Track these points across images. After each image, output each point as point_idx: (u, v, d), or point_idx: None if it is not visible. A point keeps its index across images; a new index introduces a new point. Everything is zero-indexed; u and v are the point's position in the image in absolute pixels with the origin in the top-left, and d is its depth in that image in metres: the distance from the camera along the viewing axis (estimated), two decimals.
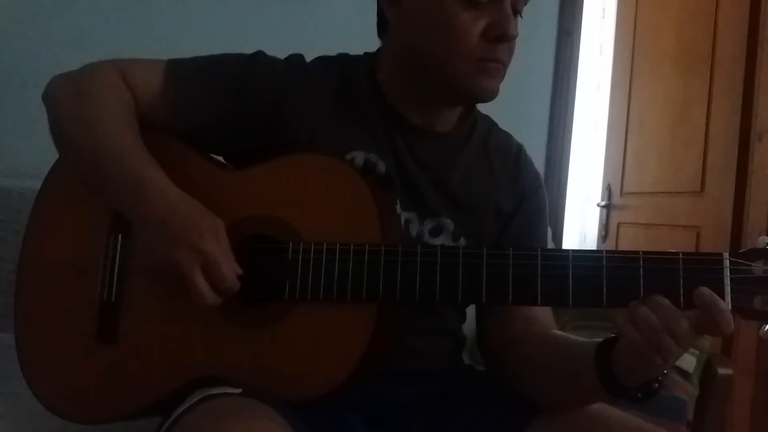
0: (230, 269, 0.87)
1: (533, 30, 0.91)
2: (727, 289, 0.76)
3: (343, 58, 1.07)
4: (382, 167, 0.99)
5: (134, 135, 0.95)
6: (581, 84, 2.52)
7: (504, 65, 0.96)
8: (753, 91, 2.02)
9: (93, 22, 1.89)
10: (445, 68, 0.94)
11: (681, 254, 0.78)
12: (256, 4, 2.02)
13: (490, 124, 1.13)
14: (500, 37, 0.93)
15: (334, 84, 1.02)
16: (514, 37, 0.94)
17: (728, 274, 0.77)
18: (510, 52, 0.96)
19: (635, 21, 2.68)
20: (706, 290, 0.75)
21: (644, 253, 0.79)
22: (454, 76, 0.94)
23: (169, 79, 0.99)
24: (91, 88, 0.98)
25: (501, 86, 0.98)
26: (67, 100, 0.98)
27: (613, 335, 0.82)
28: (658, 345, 0.75)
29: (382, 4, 1.00)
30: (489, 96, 0.97)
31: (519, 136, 1.16)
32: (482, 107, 1.10)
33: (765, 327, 0.82)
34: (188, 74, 1.00)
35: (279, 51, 1.05)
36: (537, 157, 1.42)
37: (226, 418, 0.77)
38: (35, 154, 1.47)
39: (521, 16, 0.98)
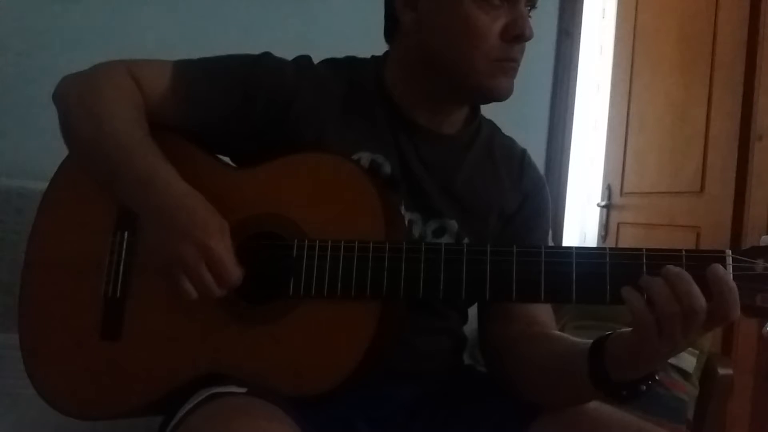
0: (234, 265, 0.88)
1: (533, 30, 0.92)
2: None
3: (350, 60, 1.08)
4: (387, 168, 1.00)
5: (143, 132, 0.96)
6: (581, 84, 2.53)
7: (518, 64, 0.98)
8: (753, 92, 2.02)
9: (94, 22, 1.89)
10: (463, 68, 0.96)
11: (684, 251, 0.78)
12: (259, 6, 2.01)
13: (494, 128, 1.14)
14: (518, 38, 0.95)
15: (342, 85, 1.03)
16: (531, 37, 0.95)
17: (731, 270, 0.76)
18: (522, 51, 0.98)
19: (635, 21, 2.69)
20: (719, 267, 0.74)
21: (647, 250, 0.79)
22: (472, 75, 0.96)
23: (177, 78, 1.00)
24: (100, 87, 0.98)
25: None
26: (77, 99, 0.99)
27: (609, 332, 0.82)
28: (665, 320, 0.74)
29: (396, 6, 1.00)
30: (505, 95, 0.98)
31: (519, 136, 1.16)
32: (483, 107, 1.11)
33: (767, 326, 0.82)
34: (197, 74, 1.01)
35: (282, 54, 1.06)
36: (537, 157, 1.41)
37: (235, 417, 0.77)
38: (35, 154, 1.49)
39: (535, 6, 1.00)
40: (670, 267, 0.75)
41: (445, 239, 1.02)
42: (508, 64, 0.96)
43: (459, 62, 0.96)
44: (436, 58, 0.98)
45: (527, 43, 0.98)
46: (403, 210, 1.00)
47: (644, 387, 0.81)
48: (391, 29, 1.05)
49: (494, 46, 0.94)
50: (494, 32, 0.94)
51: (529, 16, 0.98)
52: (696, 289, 0.73)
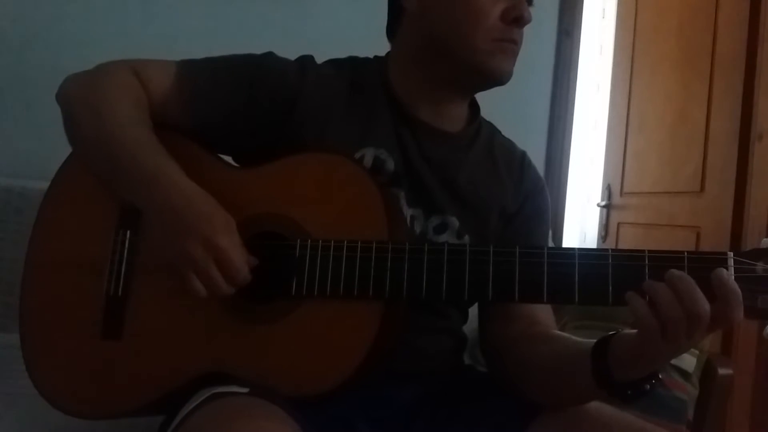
0: (242, 262, 0.88)
1: (533, 30, 0.92)
2: None
3: (353, 60, 1.10)
4: (390, 164, 1.00)
5: (148, 130, 0.96)
6: (581, 84, 2.53)
7: (518, 48, 1.01)
8: (753, 91, 2.02)
9: (94, 21, 1.89)
10: (464, 47, 0.98)
11: (686, 253, 0.78)
12: (260, 6, 2.01)
13: (494, 130, 1.15)
14: (517, 20, 0.98)
15: (345, 84, 1.04)
16: (529, 20, 0.99)
17: (733, 272, 0.76)
18: (521, 38, 1.01)
19: (635, 21, 2.69)
20: (723, 271, 0.74)
21: (649, 251, 0.79)
22: (472, 54, 0.98)
23: (182, 78, 1.00)
24: (104, 86, 0.99)
25: (502, 86, 1.02)
26: (81, 98, 0.99)
27: (612, 332, 0.83)
28: (668, 324, 0.74)
29: None
30: (505, 76, 1.00)
31: (519, 136, 1.17)
32: (483, 107, 1.12)
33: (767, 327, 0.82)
34: (201, 73, 1.01)
35: (284, 54, 1.06)
36: (537, 157, 1.41)
37: (236, 418, 0.77)
38: (35, 154, 1.49)
39: (532, 4, 1.02)
40: (673, 271, 0.75)
41: (446, 236, 1.02)
42: (507, 45, 0.99)
43: (460, 42, 0.98)
44: (438, 41, 1.00)
45: (526, 44, 1.01)
46: (405, 206, 1.01)
47: (648, 386, 0.81)
48: (393, 23, 1.07)
49: (494, 25, 0.97)
50: (494, 13, 0.97)
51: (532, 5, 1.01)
52: (699, 293, 0.73)
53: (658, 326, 0.74)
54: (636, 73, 2.66)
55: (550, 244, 1.73)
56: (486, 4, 0.97)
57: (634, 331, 0.78)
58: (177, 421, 0.84)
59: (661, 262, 0.78)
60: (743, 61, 2.05)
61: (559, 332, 1.01)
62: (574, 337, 0.94)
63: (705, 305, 0.73)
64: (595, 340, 0.85)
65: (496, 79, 1.00)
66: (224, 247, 0.87)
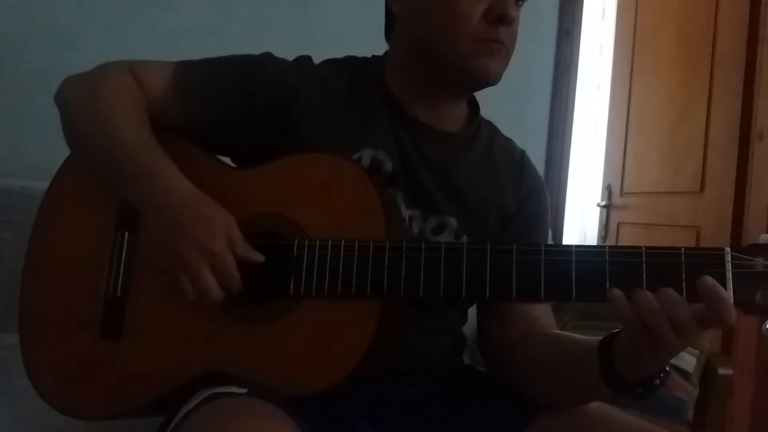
0: (235, 269, 0.88)
1: (533, 30, 0.92)
2: (729, 283, 0.76)
3: (350, 59, 1.09)
4: (388, 165, 1.00)
5: (146, 131, 0.96)
6: (581, 84, 2.53)
7: (506, 47, 0.98)
8: (753, 91, 2.02)
9: (94, 22, 1.89)
10: (449, 51, 0.97)
11: (683, 249, 0.78)
12: (260, 6, 2.02)
13: (494, 129, 1.15)
14: (500, 18, 0.95)
15: (343, 84, 1.04)
16: (514, 18, 0.96)
17: (730, 268, 0.76)
18: (511, 37, 0.99)
19: (635, 21, 2.69)
20: (708, 279, 0.73)
21: (646, 248, 0.79)
22: (458, 57, 0.96)
23: (179, 78, 1.00)
24: (103, 87, 0.99)
25: (501, 87, 1.01)
26: (80, 99, 0.99)
27: (616, 330, 0.82)
28: (654, 327, 0.73)
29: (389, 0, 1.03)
30: (493, 76, 0.98)
31: (519, 136, 1.17)
32: (483, 107, 1.12)
33: (767, 323, 0.82)
34: (199, 74, 1.01)
35: (283, 54, 1.06)
36: (537, 157, 1.42)
37: (235, 417, 0.77)
38: (35, 154, 1.49)
39: (521, 2, 1.00)
40: (663, 289, 0.75)
41: (444, 236, 1.02)
42: (493, 45, 0.96)
43: (444, 45, 0.97)
44: (424, 44, 0.99)
45: (526, 44, 0.99)
46: (403, 207, 1.00)
47: (657, 381, 0.81)
48: (388, 26, 1.07)
49: (478, 26, 0.95)
50: (477, 13, 0.95)
51: (520, 4, 0.99)
52: (679, 301, 0.73)
53: (641, 326, 0.74)
54: (636, 73, 2.66)
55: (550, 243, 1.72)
56: (467, 5, 0.95)
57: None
58: (176, 421, 0.84)
59: (659, 258, 0.78)
60: (743, 61, 2.05)
61: (560, 332, 1.01)
62: (576, 336, 0.94)
63: (686, 312, 0.73)
64: (599, 338, 0.84)
65: (484, 80, 0.99)
66: (219, 252, 0.87)
